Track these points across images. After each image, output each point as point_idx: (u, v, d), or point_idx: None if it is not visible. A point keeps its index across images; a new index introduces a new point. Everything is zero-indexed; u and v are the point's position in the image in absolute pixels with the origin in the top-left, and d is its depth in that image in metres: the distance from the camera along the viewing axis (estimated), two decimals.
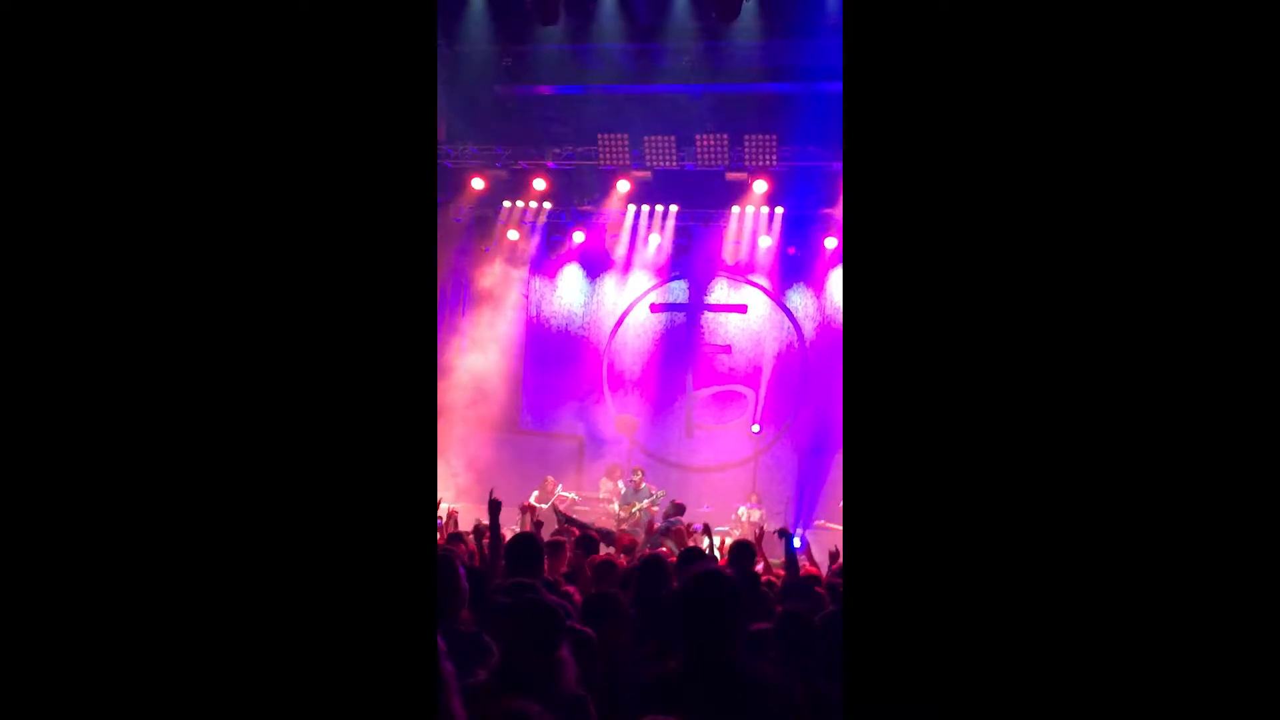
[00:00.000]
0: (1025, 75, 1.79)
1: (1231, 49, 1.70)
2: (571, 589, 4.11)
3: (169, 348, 1.96)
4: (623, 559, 5.12)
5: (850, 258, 1.87)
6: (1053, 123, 1.77)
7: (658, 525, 8.82)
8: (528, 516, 7.50)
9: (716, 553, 6.15)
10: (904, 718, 1.61)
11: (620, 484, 11.12)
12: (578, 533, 6.14)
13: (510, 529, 7.44)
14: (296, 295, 2.00)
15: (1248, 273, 1.66)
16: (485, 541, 4.78)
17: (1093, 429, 1.68)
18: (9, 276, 1.94)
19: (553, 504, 10.92)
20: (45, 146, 1.98)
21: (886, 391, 1.75)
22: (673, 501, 8.93)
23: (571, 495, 11.29)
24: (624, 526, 10.10)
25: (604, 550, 5.61)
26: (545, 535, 6.94)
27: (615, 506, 10.66)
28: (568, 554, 5.32)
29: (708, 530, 6.47)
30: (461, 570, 3.33)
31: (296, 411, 1.96)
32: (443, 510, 7.16)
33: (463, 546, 5.36)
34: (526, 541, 4.12)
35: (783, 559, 5.21)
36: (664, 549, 6.71)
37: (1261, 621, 1.56)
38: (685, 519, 7.82)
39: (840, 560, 5.70)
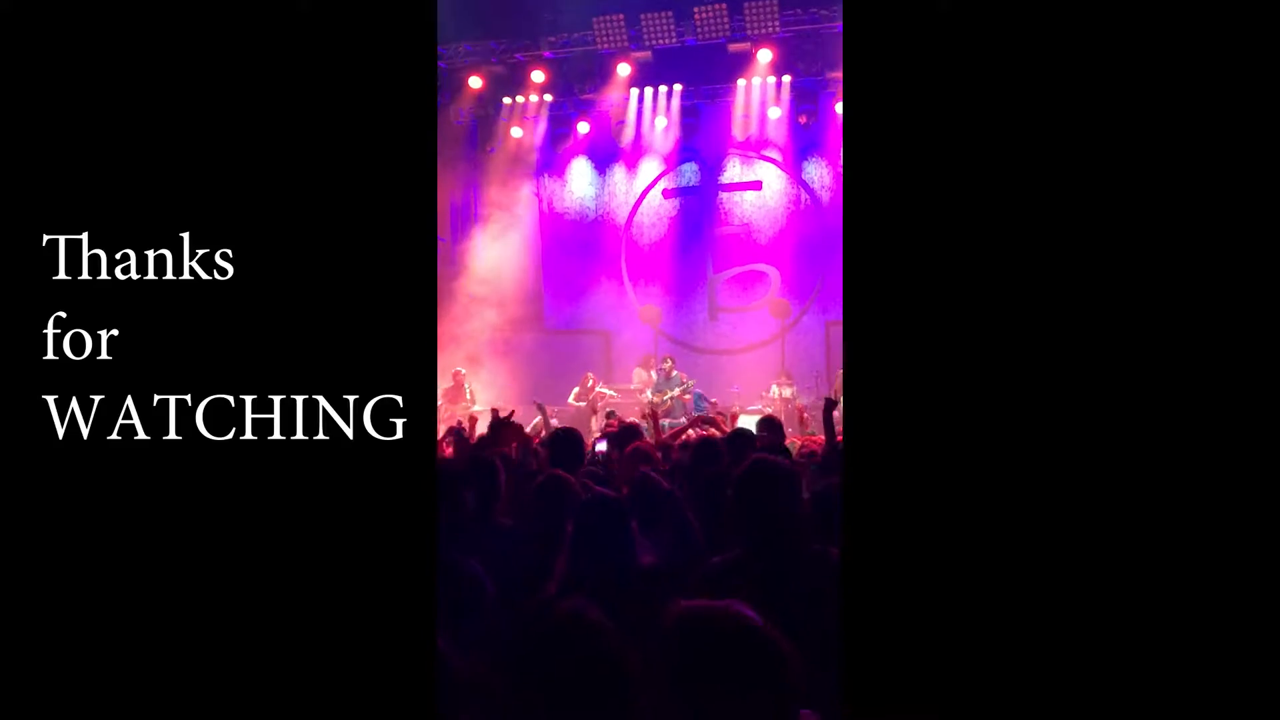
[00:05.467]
0: (1025, 72, 1.76)
1: (1232, 49, 1.68)
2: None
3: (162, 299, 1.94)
4: (653, 440, 5.16)
5: (851, 257, 1.86)
6: (1052, 121, 1.74)
7: (690, 412, 8.84)
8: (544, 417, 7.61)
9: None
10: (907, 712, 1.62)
11: (653, 373, 11.19)
12: (616, 424, 6.18)
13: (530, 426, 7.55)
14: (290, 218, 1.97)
15: (1249, 271, 1.65)
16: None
17: (1106, 423, 1.67)
18: None
19: (590, 401, 11.06)
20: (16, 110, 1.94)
21: (888, 391, 1.75)
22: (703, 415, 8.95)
23: (611, 393, 11.37)
24: (659, 412, 10.22)
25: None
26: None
27: (649, 395, 10.75)
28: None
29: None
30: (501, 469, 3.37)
31: (291, 342, 1.95)
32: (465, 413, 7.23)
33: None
34: (568, 436, 4.16)
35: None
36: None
37: (1263, 622, 1.56)
38: (719, 403, 7.85)
39: None
